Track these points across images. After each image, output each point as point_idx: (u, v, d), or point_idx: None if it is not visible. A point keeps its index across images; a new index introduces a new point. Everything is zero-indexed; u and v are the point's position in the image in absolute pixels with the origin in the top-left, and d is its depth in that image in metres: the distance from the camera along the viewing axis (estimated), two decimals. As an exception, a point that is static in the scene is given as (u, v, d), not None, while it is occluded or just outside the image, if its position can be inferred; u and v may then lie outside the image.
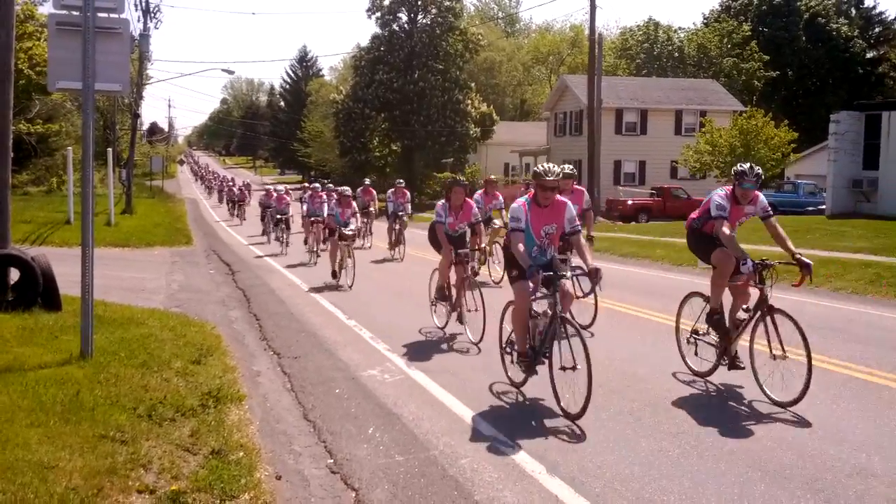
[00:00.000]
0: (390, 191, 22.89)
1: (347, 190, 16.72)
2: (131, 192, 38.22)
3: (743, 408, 7.14)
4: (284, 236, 22.99)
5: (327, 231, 16.72)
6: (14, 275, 10.11)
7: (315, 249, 19.47)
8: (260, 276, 17.14)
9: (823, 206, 29.75)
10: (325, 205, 18.84)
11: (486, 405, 7.26)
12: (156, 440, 5.71)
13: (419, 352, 9.46)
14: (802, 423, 6.65)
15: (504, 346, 7.93)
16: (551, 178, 7.25)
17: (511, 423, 6.72)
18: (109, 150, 34.25)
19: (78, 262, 7.80)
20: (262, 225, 28.22)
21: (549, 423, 6.74)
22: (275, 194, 25.86)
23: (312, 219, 19.65)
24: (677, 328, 8.45)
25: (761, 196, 7.58)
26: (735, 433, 6.42)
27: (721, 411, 7.08)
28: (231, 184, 51.52)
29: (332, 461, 6.00)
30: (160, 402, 6.48)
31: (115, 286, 13.23)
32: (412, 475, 5.68)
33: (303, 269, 18.22)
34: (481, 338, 9.58)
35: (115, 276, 14.90)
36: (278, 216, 24.05)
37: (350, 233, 15.36)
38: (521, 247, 7.13)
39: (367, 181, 28.60)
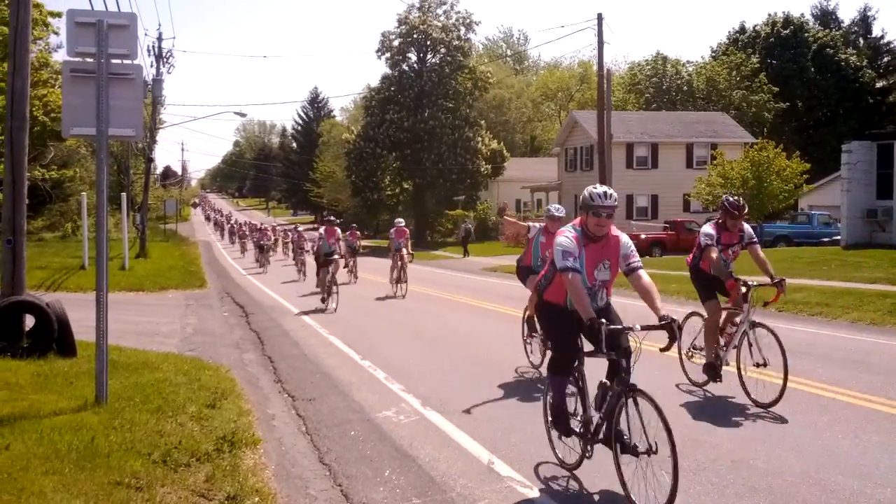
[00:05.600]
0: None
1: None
2: (145, 236, 38.51)
3: (768, 444, 7.04)
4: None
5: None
6: (29, 321, 10.16)
7: None
8: (274, 318, 17.12)
9: (839, 237, 29.58)
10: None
11: (502, 445, 7.17)
12: (171, 486, 5.66)
13: (434, 391, 9.39)
14: (825, 457, 6.54)
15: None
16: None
17: (529, 463, 6.64)
18: (123, 194, 34.66)
19: (93, 307, 7.82)
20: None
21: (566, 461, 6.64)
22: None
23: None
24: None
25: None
26: (758, 469, 6.32)
27: (743, 447, 6.95)
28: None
29: (348, 505, 5.94)
30: (175, 447, 6.44)
31: (130, 330, 13.26)
32: (429, 518, 5.60)
33: (316, 312, 18.11)
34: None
35: (130, 320, 14.94)
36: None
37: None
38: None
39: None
